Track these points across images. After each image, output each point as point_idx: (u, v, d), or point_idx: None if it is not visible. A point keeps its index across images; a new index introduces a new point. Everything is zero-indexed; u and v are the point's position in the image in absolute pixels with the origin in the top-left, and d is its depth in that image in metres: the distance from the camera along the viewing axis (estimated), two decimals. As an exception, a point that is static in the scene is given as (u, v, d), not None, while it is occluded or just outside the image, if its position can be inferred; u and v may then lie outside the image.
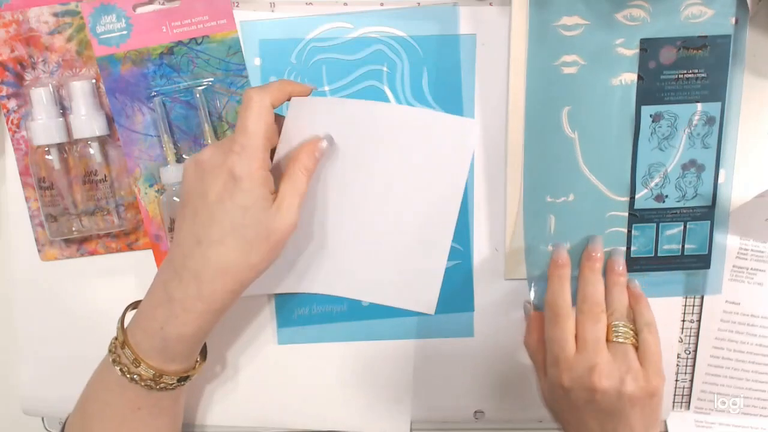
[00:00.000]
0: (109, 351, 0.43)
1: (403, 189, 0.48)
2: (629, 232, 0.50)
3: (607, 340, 0.45)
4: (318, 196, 0.47)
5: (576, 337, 0.46)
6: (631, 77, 0.46)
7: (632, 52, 0.46)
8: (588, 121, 0.47)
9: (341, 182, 0.47)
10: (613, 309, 0.47)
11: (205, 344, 0.47)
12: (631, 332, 0.46)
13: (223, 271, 0.40)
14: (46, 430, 0.55)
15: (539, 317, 0.49)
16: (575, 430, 0.46)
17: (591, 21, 0.44)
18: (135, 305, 0.45)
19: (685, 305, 0.53)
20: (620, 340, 0.45)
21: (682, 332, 0.54)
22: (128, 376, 0.42)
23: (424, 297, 0.51)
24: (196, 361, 0.45)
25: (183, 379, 0.44)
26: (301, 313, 0.53)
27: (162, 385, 0.43)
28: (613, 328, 0.46)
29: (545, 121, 0.47)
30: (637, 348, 0.45)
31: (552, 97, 0.47)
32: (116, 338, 0.43)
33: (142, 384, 0.42)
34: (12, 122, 0.48)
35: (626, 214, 0.49)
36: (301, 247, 0.49)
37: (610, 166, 0.49)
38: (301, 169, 0.42)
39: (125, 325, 0.44)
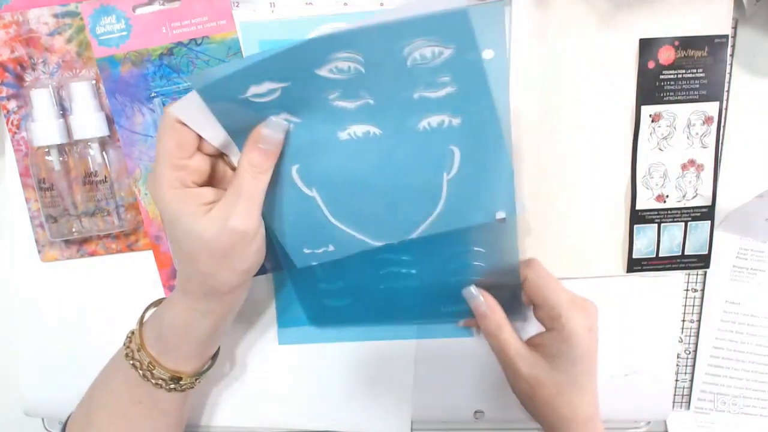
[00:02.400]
0: (126, 336, 0.46)
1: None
2: (630, 232, 0.50)
3: None
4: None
5: None
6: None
7: (354, 104, 0.39)
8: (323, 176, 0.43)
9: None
10: None
11: (211, 362, 0.47)
12: None
13: (187, 278, 0.41)
14: (46, 430, 0.56)
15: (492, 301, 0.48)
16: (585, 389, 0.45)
17: (289, 82, 0.38)
18: (157, 303, 0.47)
19: (685, 305, 0.53)
20: None
21: (682, 332, 0.54)
22: (131, 361, 0.44)
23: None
24: (197, 375, 0.45)
25: (175, 380, 0.44)
26: (302, 314, 0.53)
27: (157, 380, 0.43)
28: None
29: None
30: None
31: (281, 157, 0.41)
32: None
33: (141, 372, 0.43)
34: (12, 123, 0.48)
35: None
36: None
37: (365, 215, 0.44)
38: (245, 168, 0.39)
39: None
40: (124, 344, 0.45)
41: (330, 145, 0.41)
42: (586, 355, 0.43)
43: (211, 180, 0.42)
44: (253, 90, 0.38)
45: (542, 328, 0.46)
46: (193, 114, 0.39)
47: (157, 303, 0.47)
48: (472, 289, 0.47)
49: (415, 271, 0.48)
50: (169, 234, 0.41)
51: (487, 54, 0.38)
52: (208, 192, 0.40)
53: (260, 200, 0.40)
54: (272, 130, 0.40)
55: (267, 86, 0.38)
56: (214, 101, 0.39)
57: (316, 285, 0.50)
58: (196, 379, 0.45)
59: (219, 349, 0.48)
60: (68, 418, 0.48)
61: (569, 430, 0.44)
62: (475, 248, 0.47)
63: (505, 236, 0.45)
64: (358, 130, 0.41)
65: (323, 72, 0.38)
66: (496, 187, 0.43)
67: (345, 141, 0.41)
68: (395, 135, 0.41)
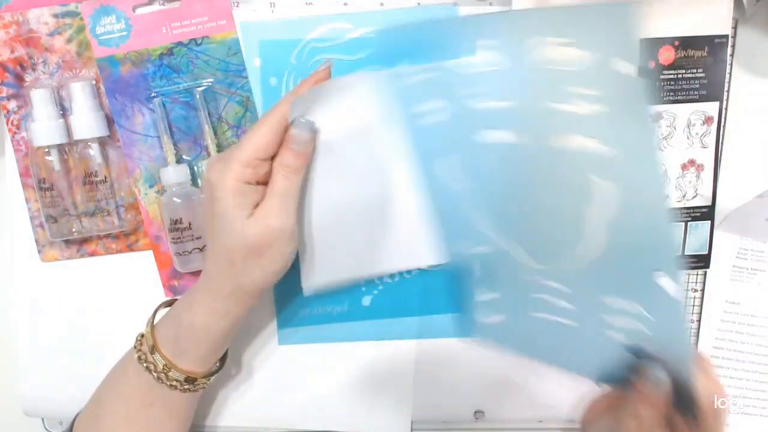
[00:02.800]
0: (135, 339, 0.46)
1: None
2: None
3: None
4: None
5: None
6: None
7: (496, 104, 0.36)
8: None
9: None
10: None
11: (222, 361, 0.48)
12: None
13: (215, 275, 0.42)
14: (46, 430, 0.55)
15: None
16: None
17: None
18: (169, 303, 0.47)
19: (685, 305, 0.53)
20: None
21: (682, 332, 0.54)
22: (144, 364, 0.44)
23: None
24: (209, 376, 0.46)
25: (190, 380, 0.44)
26: (301, 314, 0.53)
27: (172, 382, 0.44)
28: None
29: None
30: None
31: None
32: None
33: (155, 375, 0.43)
34: (12, 123, 0.48)
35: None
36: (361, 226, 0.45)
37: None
38: (278, 168, 0.40)
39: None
40: (135, 347, 0.45)
41: (471, 146, 0.38)
42: None
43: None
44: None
45: None
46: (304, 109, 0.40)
47: (165, 305, 0.47)
48: (660, 373, 0.37)
49: (572, 307, 0.40)
50: (210, 226, 0.41)
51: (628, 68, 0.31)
52: (261, 193, 0.41)
53: (294, 199, 0.40)
54: (301, 130, 0.40)
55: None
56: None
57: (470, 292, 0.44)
58: (208, 380, 0.46)
59: (228, 352, 0.49)
60: (74, 420, 0.48)
61: None
62: (641, 310, 0.37)
63: (670, 306, 0.36)
64: (496, 135, 0.37)
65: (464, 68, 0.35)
66: (654, 240, 0.35)
67: (482, 144, 0.38)
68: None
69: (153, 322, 0.45)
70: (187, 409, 0.47)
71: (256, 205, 0.40)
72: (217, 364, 0.47)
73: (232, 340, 0.47)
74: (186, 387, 0.44)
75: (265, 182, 0.41)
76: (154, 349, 0.44)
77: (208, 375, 0.46)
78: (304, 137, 0.40)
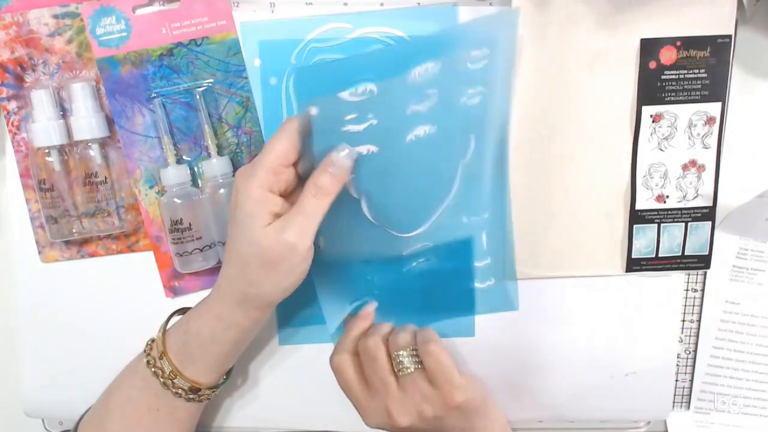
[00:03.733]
0: (146, 344, 0.46)
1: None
2: (630, 232, 0.50)
3: (396, 376, 0.45)
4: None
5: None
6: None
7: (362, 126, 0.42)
8: None
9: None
10: (393, 343, 0.46)
11: (228, 375, 0.48)
12: (415, 357, 0.45)
13: (227, 282, 0.43)
14: (47, 431, 0.56)
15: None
16: None
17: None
18: (183, 311, 0.48)
19: (685, 305, 0.53)
20: (406, 371, 0.44)
21: (682, 332, 0.54)
22: (152, 369, 0.44)
23: None
24: (214, 388, 0.46)
25: (194, 390, 0.45)
26: (301, 314, 0.53)
27: (177, 389, 0.44)
28: (396, 360, 0.45)
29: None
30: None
31: None
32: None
33: (162, 381, 0.44)
34: (12, 124, 0.48)
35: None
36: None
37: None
38: (311, 188, 0.40)
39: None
40: (145, 351, 0.46)
41: (384, 151, 0.43)
42: None
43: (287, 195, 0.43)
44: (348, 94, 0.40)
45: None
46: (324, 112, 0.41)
47: (180, 312, 0.48)
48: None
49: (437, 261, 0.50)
50: (230, 232, 0.42)
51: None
52: (282, 204, 0.41)
53: (317, 221, 0.40)
54: (344, 157, 0.41)
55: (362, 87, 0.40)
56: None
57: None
58: (212, 392, 0.46)
59: (234, 366, 0.49)
60: (79, 420, 0.48)
61: None
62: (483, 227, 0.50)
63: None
64: (419, 132, 0.43)
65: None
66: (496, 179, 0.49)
67: (405, 145, 0.43)
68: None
69: (165, 327, 0.46)
70: (190, 418, 0.47)
71: (276, 216, 0.40)
72: (223, 378, 0.47)
73: (239, 356, 0.47)
74: (190, 396, 0.45)
75: (286, 194, 0.42)
76: (162, 354, 0.44)
77: (213, 387, 0.46)
78: (344, 164, 0.41)
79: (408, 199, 0.45)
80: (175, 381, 0.44)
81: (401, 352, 0.45)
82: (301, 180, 0.42)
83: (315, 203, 0.40)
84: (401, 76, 0.41)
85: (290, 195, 0.43)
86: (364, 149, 0.42)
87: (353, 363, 0.47)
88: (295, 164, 0.42)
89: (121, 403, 0.46)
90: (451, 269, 0.51)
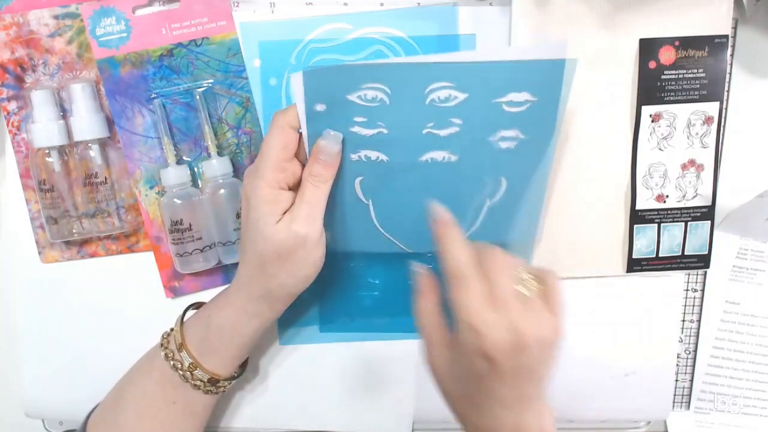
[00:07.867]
0: (162, 337, 0.47)
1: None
2: (630, 232, 0.50)
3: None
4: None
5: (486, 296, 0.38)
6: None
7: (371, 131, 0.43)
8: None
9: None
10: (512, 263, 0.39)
11: (243, 366, 0.49)
12: (535, 281, 0.39)
13: (246, 280, 0.44)
14: (47, 431, 0.56)
15: (431, 282, 0.42)
16: (485, 406, 0.40)
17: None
18: (197, 306, 0.48)
19: (685, 305, 0.53)
20: (528, 292, 0.38)
21: (682, 332, 0.54)
22: (171, 362, 0.44)
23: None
24: (230, 379, 0.47)
25: (213, 382, 0.45)
26: (303, 314, 0.53)
27: (196, 381, 0.45)
28: (520, 279, 0.39)
29: None
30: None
31: None
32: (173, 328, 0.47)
33: (181, 373, 0.44)
34: (12, 124, 0.48)
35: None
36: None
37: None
38: (307, 178, 0.42)
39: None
40: (161, 344, 0.46)
41: (396, 166, 0.45)
42: None
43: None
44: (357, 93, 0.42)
45: None
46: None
47: (195, 306, 0.48)
48: (416, 267, 0.43)
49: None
50: (245, 231, 0.43)
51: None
52: (291, 198, 0.42)
53: (321, 208, 0.42)
54: (329, 142, 0.43)
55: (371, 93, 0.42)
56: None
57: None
58: (229, 383, 0.47)
59: (248, 358, 0.49)
60: (87, 418, 0.48)
61: None
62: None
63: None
64: (436, 156, 0.44)
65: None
66: (527, 215, 0.47)
67: (417, 163, 0.44)
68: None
69: (182, 320, 0.46)
70: (205, 411, 0.48)
71: (286, 212, 0.42)
72: (239, 369, 0.48)
73: (255, 346, 0.47)
74: (209, 388, 0.45)
75: (295, 187, 0.43)
76: (181, 347, 0.45)
77: (230, 378, 0.47)
78: (332, 149, 0.43)
79: (420, 218, 0.43)
80: (194, 373, 0.44)
81: (523, 273, 0.39)
82: None
83: (314, 191, 0.42)
84: (418, 95, 0.42)
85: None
86: (373, 155, 0.44)
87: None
88: (298, 157, 0.43)
89: (136, 397, 0.46)
90: None
